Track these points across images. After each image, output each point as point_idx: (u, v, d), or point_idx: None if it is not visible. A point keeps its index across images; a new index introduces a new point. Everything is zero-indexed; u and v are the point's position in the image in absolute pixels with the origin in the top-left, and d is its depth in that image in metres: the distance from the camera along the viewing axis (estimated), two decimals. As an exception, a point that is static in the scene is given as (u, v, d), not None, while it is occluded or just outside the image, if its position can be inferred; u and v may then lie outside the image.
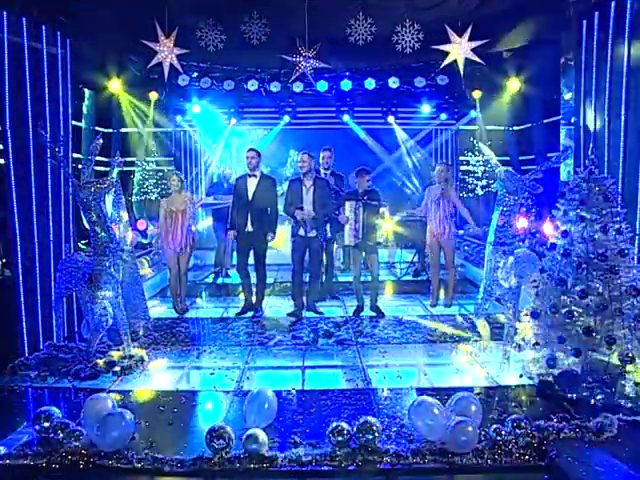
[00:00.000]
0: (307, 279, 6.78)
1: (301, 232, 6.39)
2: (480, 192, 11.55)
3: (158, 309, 7.24)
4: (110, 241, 4.91)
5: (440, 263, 7.00)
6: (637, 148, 5.39)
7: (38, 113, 5.34)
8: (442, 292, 7.31)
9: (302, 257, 6.53)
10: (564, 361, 4.30)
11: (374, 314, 6.60)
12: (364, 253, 6.62)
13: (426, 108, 10.89)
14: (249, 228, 6.45)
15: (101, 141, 5.11)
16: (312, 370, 4.96)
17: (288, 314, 6.55)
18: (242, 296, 6.98)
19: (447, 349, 5.41)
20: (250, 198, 6.44)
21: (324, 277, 7.28)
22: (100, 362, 4.84)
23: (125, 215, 5.69)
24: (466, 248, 9.37)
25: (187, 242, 6.69)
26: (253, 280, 6.78)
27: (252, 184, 6.47)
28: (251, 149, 6.68)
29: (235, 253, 7.13)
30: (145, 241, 9.72)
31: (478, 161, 11.53)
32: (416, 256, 9.36)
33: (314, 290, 6.80)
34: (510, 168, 4.91)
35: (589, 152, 4.59)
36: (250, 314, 6.71)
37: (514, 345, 4.72)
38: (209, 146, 11.81)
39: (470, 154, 11.68)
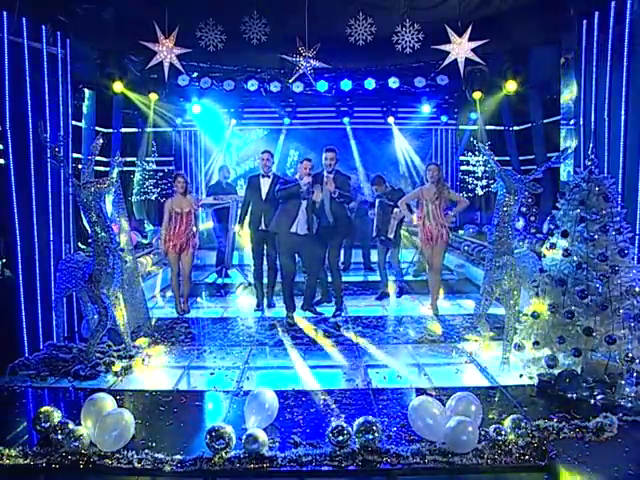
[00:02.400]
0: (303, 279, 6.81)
1: (293, 229, 6.17)
2: (480, 192, 11.56)
3: (161, 300, 7.54)
4: (110, 241, 4.91)
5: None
6: (637, 148, 5.39)
7: (38, 113, 5.34)
8: (442, 293, 7.30)
9: (294, 258, 6.48)
10: (564, 361, 4.30)
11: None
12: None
13: (426, 108, 10.92)
14: (262, 227, 6.70)
15: (101, 141, 5.11)
16: (312, 370, 4.96)
17: (288, 323, 6.38)
18: (253, 293, 7.22)
19: (447, 349, 5.41)
20: (264, 198, 6.68)
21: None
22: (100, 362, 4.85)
23: (125, 224, 5.74)
24: (466, 248, 9.37)
25: (190, 243, 6.69)
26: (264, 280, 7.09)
27: (266, 185, 6.73)
28: (266, 151, 6.95)
29: (251, 253, 7.10)
30: (145, 241, 9.73)
31: (478, 161, 11.55)
32: (416, 256, 9.35)
33: (312, 290, 6.77)
34: (510, 168, 4.91)
35: (589, 152, 4.58)
36: (256, 313, 6.86)
37: (514, 345, 4.72)
38: (210, 150, 11.83)
39: (470, 154, 11.70)
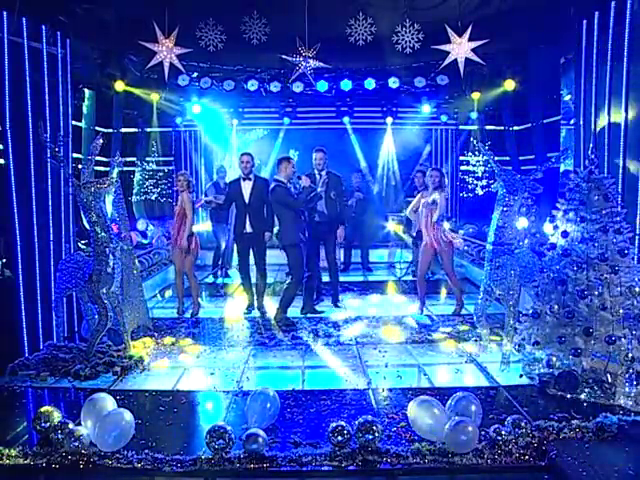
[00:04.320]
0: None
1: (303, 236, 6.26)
2: (480, 192, 11.57)
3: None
4: (110, 241, 4.91)
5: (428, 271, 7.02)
6: (637, 148, 5.39)
7: (38, 113, 5.34)
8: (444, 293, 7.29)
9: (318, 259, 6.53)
10: (564, 361, 4.30)
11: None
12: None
13: (426, 108, 10.92)
14: (248, 229, 6.58)
15: (101, 141, 5.12)
16: (312, 370, 4.96)
17: (287, 324, 6.31)
18: (245, 295, 7.05)
19: (447, 349, 5.41)
20: (247, 201, 6.57)
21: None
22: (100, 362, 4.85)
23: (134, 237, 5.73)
24: (466, 248, 9.37)
25: (187, 243, 6.62)
26: (253, 280, 6.89)
27: (247, 187, 6.61)
28: (246, 153, 6.83)
29: (236, 254, 7.05)
30: (145, 241, 9.73)
31: (478, 161, 11.55)
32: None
33: (313, 291, 6.77)
34: (510, 168, 4.92)
35: (589, 152, 4.58)
36: (254, 313, 6.79)
37: (514, 345, 4.72)
38: (210, 150, 11.81)
39: (470, 154, 11.70)
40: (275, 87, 9.19)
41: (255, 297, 6.86)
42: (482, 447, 3.32)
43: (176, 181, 6.78)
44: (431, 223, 6.38)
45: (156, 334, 5.84)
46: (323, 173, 6.87)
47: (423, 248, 6.58)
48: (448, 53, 8.10)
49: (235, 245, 6.97)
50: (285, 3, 8.05)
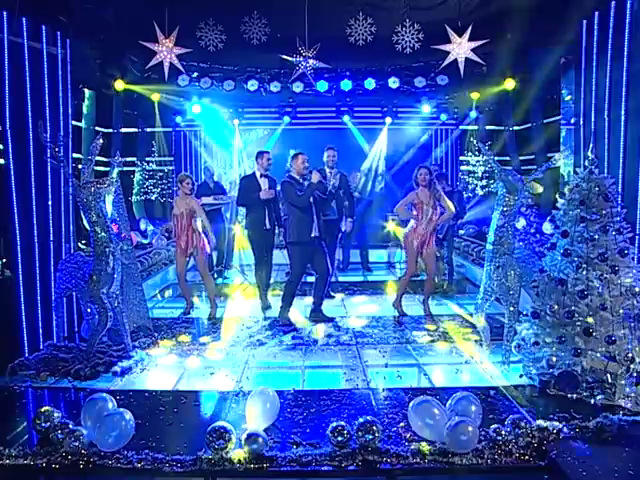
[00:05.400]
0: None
1: (314, 233, 6.13)
2: (480, 192, 11.57)
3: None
4: (110, 241, 4.90)
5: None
6: (637, 148, 5.39)
7: (38, 113, 5.33)
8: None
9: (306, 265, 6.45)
10: (564, 361, 4.30)
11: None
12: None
13: (426, 108, 10.92)
14: (267, 226, 6.66)
15: (101, 141, 5.11)
16: (312, 370, 4.96)
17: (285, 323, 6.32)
18: (255, 292, 7.10)
19: (447, 349, 5.41)
20: (266, 197, 6.63)
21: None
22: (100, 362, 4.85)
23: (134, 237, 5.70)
24: (466, 248, 9.38)
25: (195, 244, 6.56)
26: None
27: (265, 184, 6.70)
28: (267, 152, 6.93)
29: (254, 254, 6.93)
30: (145, 241, 9.73)
31: (478, 161, 11.55)
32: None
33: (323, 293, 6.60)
34: (510, 168, 4.92)
35: (589, 152, 4.58)
36: (255, 313, 6.82)
37: (514, 345, 4.72)
38: (210, 149, 11.82)
39: (470, 154, 11.71)
40: (275, 87, 9.20)
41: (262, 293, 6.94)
42: (482, 447, 3.31)
43: (185, 184, 6.58)
44: (435, 221, 6.34)
45: (156, 334, 5.84)
46: (334, 171, 6.94)
47: (412, 246, 6.40)
48: (448, 53, 8.11)
49: (251, 242, 6.90)
50: (285, 3, 8.07)
